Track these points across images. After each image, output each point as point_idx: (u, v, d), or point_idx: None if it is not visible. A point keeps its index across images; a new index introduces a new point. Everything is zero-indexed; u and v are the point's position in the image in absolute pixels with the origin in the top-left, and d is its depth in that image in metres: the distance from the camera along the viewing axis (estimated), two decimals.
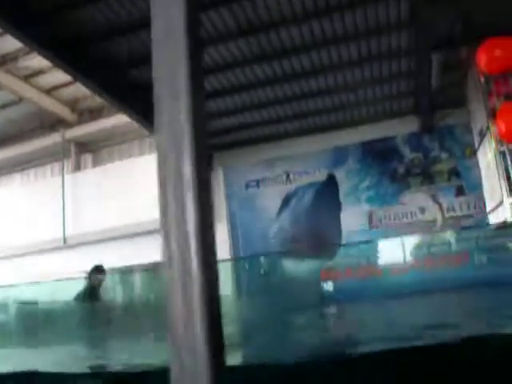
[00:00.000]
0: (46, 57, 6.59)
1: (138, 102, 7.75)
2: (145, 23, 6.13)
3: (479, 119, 6.88)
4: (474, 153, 8.18)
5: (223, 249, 9.78)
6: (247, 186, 10.01)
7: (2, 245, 12.50)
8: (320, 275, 9.28)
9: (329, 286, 9.15)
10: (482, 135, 6.72)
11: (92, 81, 7.07)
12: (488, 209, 7.39)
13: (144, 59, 6.67)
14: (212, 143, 9.93)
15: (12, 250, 12.38)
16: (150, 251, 10.35)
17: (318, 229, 9.44)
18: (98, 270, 6.92)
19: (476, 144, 7.49)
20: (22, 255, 12.20)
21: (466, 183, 8.96)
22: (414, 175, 9.29)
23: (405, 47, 7.23)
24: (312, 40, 6.96)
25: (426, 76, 7.41)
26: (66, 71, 7.00)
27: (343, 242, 9.29)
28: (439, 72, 7.28)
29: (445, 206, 9.03)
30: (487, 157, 6.73)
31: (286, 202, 9.71)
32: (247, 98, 8.46)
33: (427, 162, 9.24)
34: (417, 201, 9.17)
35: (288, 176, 9.81)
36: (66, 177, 12.43)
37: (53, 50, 6.25)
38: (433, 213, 9.08)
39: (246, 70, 7.60)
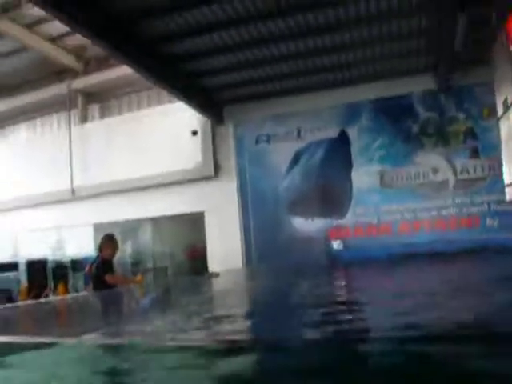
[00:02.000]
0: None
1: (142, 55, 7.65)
2: None
3: (504, 89, 6.61)
4: (492, 114, 7.97)
5: (232, 204, 9.74)
6: (257, 141, 9.84)
7: (11, 196, 12.49)
8: (329, 234, 9.28)
9: (338, 245, 9.16)
10: (506, 105, 6.49)
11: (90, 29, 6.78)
12: (507, 181, 7.19)
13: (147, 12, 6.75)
14: (223, 97, 9.77)
15: (21, 202, 12.37)
16: (159, 205, 10.42)
17: (328, 186, 9.33)
18: (109, 240, 6.46)
19: (499, 112, 7.22)
20: (32, 206, 12.19)
21: (481, 145, 8.77)
22: (428, 135, 9.09)
23: (427, 4, 6.92)
24: None
25: (449, 34, 7.10)
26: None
27: (354, 200, 9.20)
28: (464, 31, 6.95)
29: (458, 167, 8.88)
30: (510, 128, 6.52)
31: (296, 158, 9.56)
32: (259, 52, 8.21)
33: (442, 122, 9.02)
34: (430, 161, 9.01)
35: (299, 132, 9.62)
36: (73, 128, 12.26)
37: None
38: (445, 174, 8.93)
39: (259, 24, 7.34)
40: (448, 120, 9.00)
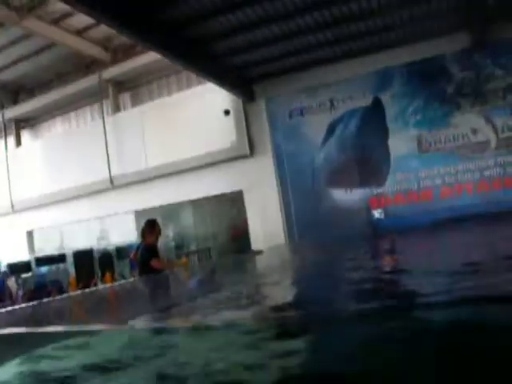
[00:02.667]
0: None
1: (168, 40, 7.63)
2: None
3: None
4: None
5: (270, 181, 9.74)
6: (291, 116, 9.76)
7: (52, 190, 12.80)
8: (369, 204, 9.19)
9: (379, 214, 9.06)
10: None
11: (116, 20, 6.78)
12: None
13: None
14: (252, 74, 9.70)
15: (62, 195, 12.67)
16: (198, 187, 10.49)
17: (365, 155, 9.21)
18: (152, 226, 6.42)
19: None
20: (73, 199, 12.47)
21: None
22: (465, 95, 8.83)
23: None
24: None
25: None
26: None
27: (392, 168, 9.07)
28: None
29: (499, 126, 8.61)
30: None
31: (331, 129, 9.45)
32: (285, 26, 8.08)
33: (479, 80, 8.73)
34: (468, 122, 8.76)
35: (332, 103, 9.49)
36: (107, 118, 12.41)
37: None
38: (486, 134, 8.68)
39: None
40: (485, 78, 8.70)
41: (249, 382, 1.07)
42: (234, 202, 10.62)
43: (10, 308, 4.14)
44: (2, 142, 14.88)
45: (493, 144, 8.65)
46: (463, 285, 2.03)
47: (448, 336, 1.26)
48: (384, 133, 9.12)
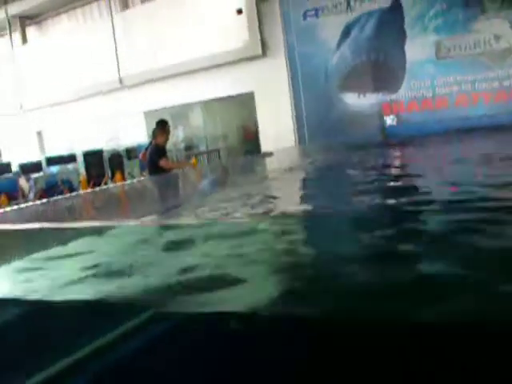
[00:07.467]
0: None
1: None
2: None
3: None
4: None
5: (281, 83, 9.56)
6: (305, 16, 9.38)
7: (60, 90, 12.67)
8: (382, 109, 9.05)
9: (392, 121, 8.95)
10: None
11: None
12: None
13: None
14: None
15: (71, 95, 12.56)
16: (208, 88, 10.34)
17: (380, 60, 8.94)
18: (162, 126, 6.43)
19: None
20: (82, 98, 12.37)
21: None
22: None
23: None
24: None
25: None
26: None
27: (407, 74, 8.82)
28: None
29: None
30: None
31: (346, 31, 9.08)
32: None
33: None
34: (492, 27, 8.37)
35: (349, 3, 9.07)
36: (115, 15, 11.99)
37: None
38: (509, 40, 8.33)
39: None
40: None
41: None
42: (244, 103, 10.47)
43: (23, 205, 4.17)
44: (8, 39, 14.53)
45: None
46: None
47: None
48: (401, 37, 8.78)
